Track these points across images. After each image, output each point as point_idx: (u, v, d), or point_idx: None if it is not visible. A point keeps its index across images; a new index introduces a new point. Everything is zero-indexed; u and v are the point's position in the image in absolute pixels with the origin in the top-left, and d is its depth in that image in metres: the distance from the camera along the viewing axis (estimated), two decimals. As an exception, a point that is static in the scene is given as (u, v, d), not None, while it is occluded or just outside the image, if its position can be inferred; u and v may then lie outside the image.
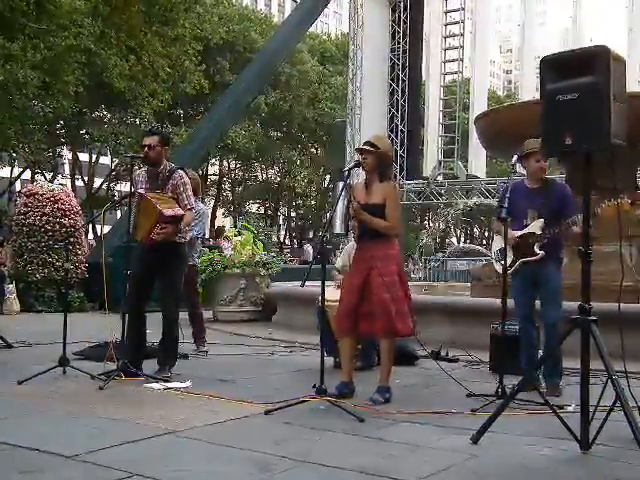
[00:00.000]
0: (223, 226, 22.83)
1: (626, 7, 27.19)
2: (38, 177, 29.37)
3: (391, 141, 24.70)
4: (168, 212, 5.36)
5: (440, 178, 26.23)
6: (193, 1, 18.35)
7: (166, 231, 5.38)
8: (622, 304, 3.90)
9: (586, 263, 3.64)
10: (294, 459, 3.35)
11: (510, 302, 5.20)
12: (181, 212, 5.48)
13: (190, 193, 5.69)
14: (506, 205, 5.10)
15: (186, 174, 5.78)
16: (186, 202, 5.60)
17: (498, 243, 5.50)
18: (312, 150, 40.38)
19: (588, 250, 3.63)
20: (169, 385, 5.20)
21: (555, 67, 3.71)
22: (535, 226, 5.18)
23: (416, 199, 26.15)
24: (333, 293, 5.63)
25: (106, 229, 19.34)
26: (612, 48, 3.53)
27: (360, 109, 25.11)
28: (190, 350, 7.03)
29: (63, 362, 5.51)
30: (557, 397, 4.85)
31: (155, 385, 5.19)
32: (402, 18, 25.59)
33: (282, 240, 43.46)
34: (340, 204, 4.73)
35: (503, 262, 5.19)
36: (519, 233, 5.21)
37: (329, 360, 5.75)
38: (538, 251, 5.14)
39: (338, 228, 4.74)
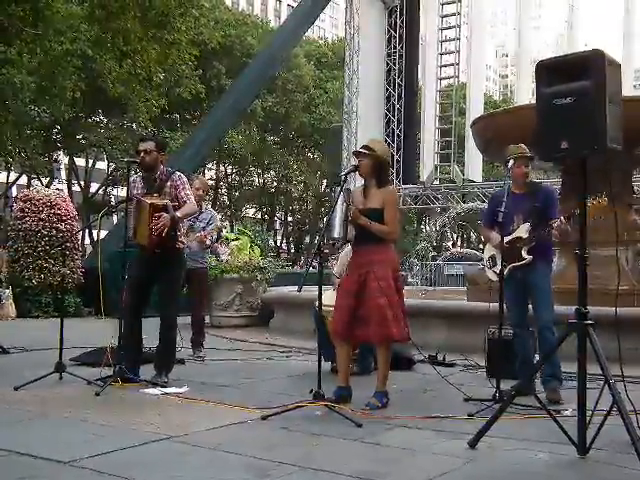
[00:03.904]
0: (220, 231, 22.78)
1: (621, 12, 27.28)
2: (34, 182, 29.32)
3: (387, 145, 24.67)
4: (160, 203, 5.37)
5: (436, 182, 26.26)
6: (190, 6, 18.30)
7: (163, 221, 5.32)
8: (619, 308, 3.90)
9: (582, 267, 3.65)
10: (291, 464, 3.34)
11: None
12: (173, 204, 5.48)
13: (189, 191, 5.68)
14: (503, 210, 5.08)
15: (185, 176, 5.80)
16: (185, 199, 5.60)
17: (489, 251, 5.51)
18: (309, 155, 40.38)
19: (584, 254, 3.64)
20: (166, 390, 5.19)
21: (551, 71, 3.72)
22: (521, 230, 5.19)
23: (412, 203, 26.16)
24: (331, 298, 5.62)
25: (102, 234, 19.30)
26: (607, 52, 3.54)
27: (356, 114, 25.11)
28: (187, 355, 7.02)
29: (59, 368, 5.49)
30: (557, 402, 4.83)
31: (152, 390, 5.19)
32: (398, 23, 25.63)
33: (279, 245, 43.46)
34: (338, 209, 4.73)
35: (495, 269, 5.22)
36: (507, 239, 5.20)
37: (326, 365, 5.74)
38: (526, 255, 5.15)
39: (336, 233, 4.73)
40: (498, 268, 5.22)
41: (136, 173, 5.96)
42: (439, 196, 25.57)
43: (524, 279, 5.18)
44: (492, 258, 5.38)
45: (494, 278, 5.31)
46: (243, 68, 23.47)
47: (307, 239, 44.66)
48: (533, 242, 5.11)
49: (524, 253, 5.15)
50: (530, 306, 5.31)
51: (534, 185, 5.37)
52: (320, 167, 38.95)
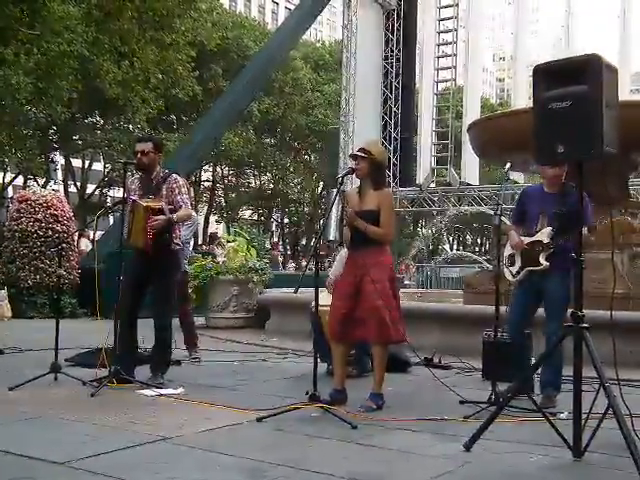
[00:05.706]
0: (216, 232, 22.78)
1: (618, 17, 27.36)
2: (30, 183, 29.28)
3: (384, 148, 24.69)
4: (155, 205, 5.38)
5: (433, 185, 26.31)
6: (188, 7, 18.29)
7: (158, 222, 5.34)
8: (614, 311, 3.91)
9: (578, 270, 3.65)
10: (286, 466, 3.34)
11: (504, 309, 5.19)
12: (169, 207, 5.49)
13: (185, 195, 5.69)
14: (499, 210, 5.05)
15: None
16: (181, 203, 5.61)
17: (509, 249, 5.30)
18: (305, 157, 40.41)
19: (580, 257, 3.65)
20: (161, 391, 5.18)
21: (548, 75, 3.73)
22: (543, 234, 4.99)
23: (409, 206, 26.23)
24: (327, 299, 5.62)
25: (99, 235, 19.26)
26: (604, 57, 3.55)
27: (353, 116, 25.14)
28: (183, 356, 7.02)
29: (55, 368, 5.48)
30: (550, 409, 4.81)
31: (147, 391, 5.17)
32: (396, 26, 25.70)
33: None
34: (334, 211, 4.74)
35: (512, 269, 5.15)
36: (528, 240, 5.09)
37: (322, 367, 5.74)
38: (543, 262, 4.95)
39: (332, 235, 4.74)
40: (515, 268, 5.15)
41: (133, 175, 5.96)
42: (435, 199, 25.63)
43: (538, 285, 5.03)
44: (511, 257, 5.23)
45: (510, 278, 5.24)
46: (240, 70, 23.46)
47: (303, 241, 44.68)
48: (552, 250, 4.92)
49: (542, 259, 4.96)
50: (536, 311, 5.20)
51: (567, 187, 4.97)
52: (316, 169, 38.98)
